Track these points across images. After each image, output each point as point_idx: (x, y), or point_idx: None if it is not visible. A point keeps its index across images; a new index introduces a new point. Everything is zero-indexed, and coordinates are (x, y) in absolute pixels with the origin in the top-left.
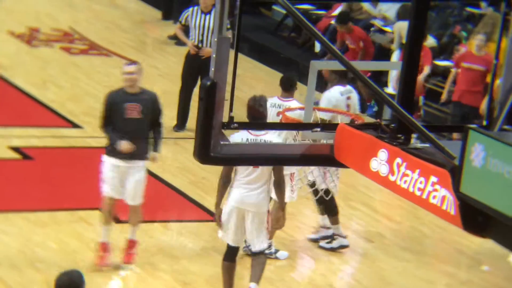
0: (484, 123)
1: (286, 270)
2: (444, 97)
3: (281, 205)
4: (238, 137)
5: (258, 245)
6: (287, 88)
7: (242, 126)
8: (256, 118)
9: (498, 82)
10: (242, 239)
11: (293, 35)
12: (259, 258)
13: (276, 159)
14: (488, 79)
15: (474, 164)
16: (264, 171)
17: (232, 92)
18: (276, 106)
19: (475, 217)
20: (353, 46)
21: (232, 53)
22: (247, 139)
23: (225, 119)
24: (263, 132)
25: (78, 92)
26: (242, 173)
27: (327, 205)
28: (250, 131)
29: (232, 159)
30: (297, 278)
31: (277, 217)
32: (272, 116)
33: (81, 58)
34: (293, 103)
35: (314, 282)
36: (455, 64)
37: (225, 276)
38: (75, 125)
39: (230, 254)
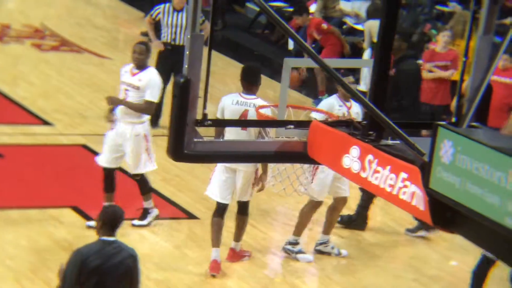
0: (453, 120)
1: (259, 267)
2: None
3: (264, 168)
4: (229, 98)
5: (246, 197)
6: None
7: (216, 123)
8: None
9: (467, 79)
10: (230, 196)
11: (266, 32)
12: (243, 216)
13: (250, 157)
14: (455, 76)
15: (443, 161)
16: (251, 132)
17: (205, 89)
18: (239, 104)
19: (444, 213)
20: (317, 36)
21: (205, 50)
22: (237, 101)
23: (199, 116)
24: (253, 96)
25: (49, 89)
26: (231, 134)
27: None
28: (241, 93)
29: (206, 156)
30: (270, 275)
31: (260, 179)
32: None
33: (52, 54)
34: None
35: (287, 279)
36: (423, 64)
37: (213, 231)
38: (46, 122)
39: (219, 210)
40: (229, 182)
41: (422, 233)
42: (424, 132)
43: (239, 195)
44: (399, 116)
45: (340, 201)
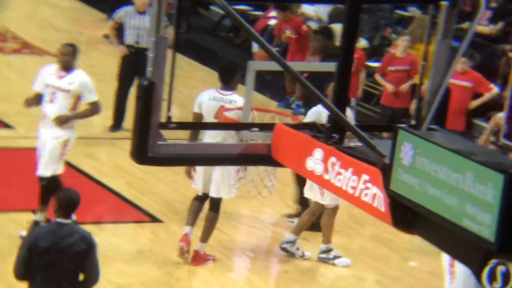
0: (413, 122)
1: (223, 270)
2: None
3: None
4: (207, 94)
5: (219, 194)
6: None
7: (181, 126)
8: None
9: (426, 83)
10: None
11: (231, 35)
12: (212, 213)
13: (214, 159)
14: (414, 79)
15: (403, 163)
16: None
17: (170, 92)
18: (216, 100)
19: (404, 214)
20: (293, 35)
21: (170, 52)
22: (214, 97)
23: (163, 119)
24: (230, 92)
25: (10, 92)
26: (209, 133)
27: None
28: (218, 89)
29: (170, 160)
30: (234, 278)
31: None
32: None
33: (13, 57)
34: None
35: (251, 281)
36: (381, 67)
37: (191, 213)
38: (7, 126)
39: (200, 198)
40: (209, 174)
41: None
42: (384, 134)
43: (212, 190)
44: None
45: (319, 206)
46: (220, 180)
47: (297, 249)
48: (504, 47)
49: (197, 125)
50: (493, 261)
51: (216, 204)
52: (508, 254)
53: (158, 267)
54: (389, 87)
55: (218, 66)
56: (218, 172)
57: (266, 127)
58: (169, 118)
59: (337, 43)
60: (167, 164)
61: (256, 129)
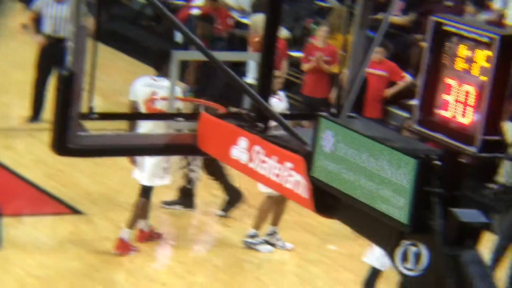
0: (333, 111)
1: (146, 260)
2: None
3: None
4: (141, 80)
5: (156, 180)
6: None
7: (103, 117)
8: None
9: (345, 72)
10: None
11: (152, 24)
12: (142, 200)
13: (139, 150)
14: (334, 69)
15: (325, 150)
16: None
17: (91, 82)
18: (150, 86)
19: (325, 200)
20: (220, 26)
21: (90, 42)
22: (147, 83)
23: (85, 109)
24: (163, 78)
25: None
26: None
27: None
28: (153, 76)
29: (92, 151)
30: (157, 268)
31: None
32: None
33: None
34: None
35: (174, 270)
36: (304, 58)
37: (142, 212)
38: None
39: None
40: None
41: (177, 207)
42: (304, 123)
43: (144, 177)
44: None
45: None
46: (152, 167)
47: (278, 240)
48: (416, 37)
49: (121, 115)
50: (405, 242)
51: (146, 191)
52: (420, 235)
53: (78, 259)
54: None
55: (152, 53)
56: (150, 159)
57: (192, 116)
58: (90, 108)
59: (261, 32)
60: (88, 155)
61: (181, 119)
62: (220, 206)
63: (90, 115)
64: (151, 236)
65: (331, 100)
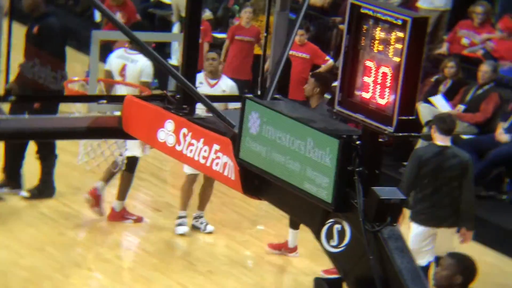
0: (258, 92)
1: (72, 245)
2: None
3: None
4: (114, 52)
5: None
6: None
7: (20, 99)
8: None
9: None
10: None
11: (70, 3)
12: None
13: (61, 133)
14: (256, 50)
15: (251, 132)
16: None
17: (7, 63)
18: (121, 58)
19: (253, 181)
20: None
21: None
22: (119, 55)
23: (1, 91)
24: (135, 52)
25: None
26: None
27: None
28: (126, 48)
29: (9, 134)
30: (84, 253)
31: None
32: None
33: None
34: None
35: (102, 256)
36: (228, 37)
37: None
38: None
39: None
40: None
41: (3, 189)
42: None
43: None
44: None
45: (209, 178)
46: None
47: (201, 223)
48: (334, 19)
49: (38, 97)
50: (330, 221)
51: (129, 163)
52: (343, 213)
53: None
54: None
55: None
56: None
57: (115, 99)
58: (7, 90)
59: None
60: (5, 139)
61: (104, 101)
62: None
63: (7, 97)
64: (124, 218)
65: (254, 82)
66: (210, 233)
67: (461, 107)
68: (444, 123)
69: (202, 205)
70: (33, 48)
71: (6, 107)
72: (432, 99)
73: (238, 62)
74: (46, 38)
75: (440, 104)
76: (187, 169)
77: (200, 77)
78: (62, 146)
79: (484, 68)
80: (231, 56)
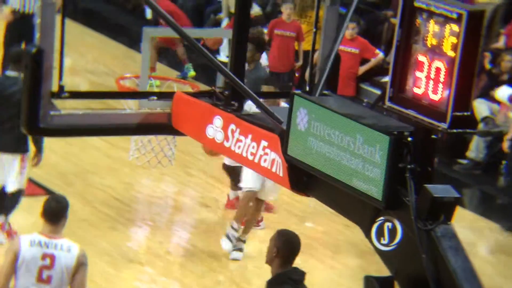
0: (307, 88)
1: (123, 239)
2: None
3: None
4: None
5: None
6: None
7: (74, 95)
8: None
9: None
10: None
11: (122, 0)
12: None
13: (112, 130)
14: (305, 46)
15: (299, 128)
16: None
17: (61, 60)
18: None
19: (301, 178)
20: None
21: (58, 18)
22: None
23: (55, 88)
24: None
25: None
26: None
27: None
28: None
29: (63, 130)
30: (135, 247)
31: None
32: None
33: None
34: None
35: (152, 250)
36: (268, 32)
37: None
38: None
39: None
40: None
41: None
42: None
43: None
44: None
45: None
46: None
47: (238, 240)
48: (386, 13)
49: (91, 94)
50: (380, 218)
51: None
52: (394, 211)
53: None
54: None
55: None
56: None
57: (165, 95)
58: (61, 87)
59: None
60: (60, 135)
61: (154, 97)
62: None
63: (61, 94)
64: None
65: (294, 75)
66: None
67: None
68: None
69: (247, 229)
70: None
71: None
72: (497, 92)
73: (279, 57)
74: None
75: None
76: (246, 184)
77: None
78: (114, 142)
79: None
80: (272, 50)
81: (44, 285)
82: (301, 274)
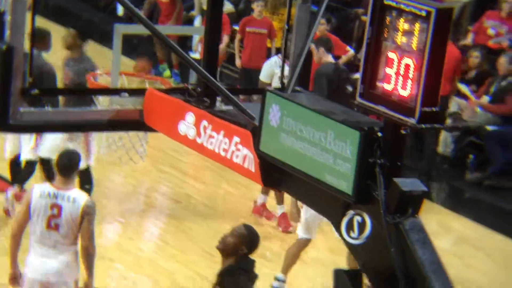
0: (279, 85)
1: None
2: (238, 62)
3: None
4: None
5: None
6: None
7: (44, 92)
8: None
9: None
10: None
11: None
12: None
13: (82, 126)
14: (276, 43)
15: (272, 124)
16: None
17: (30, 57)
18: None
19: (272, 173)
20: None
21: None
22: None
23: (25, 85)
24: None
25: None
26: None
27: None
28: None
29: (34, 126)
30: (104, 243)
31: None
32: None
33: None
34: None
35: (122, 247)
36: (239, 30)
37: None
38: None
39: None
40: None
41: None
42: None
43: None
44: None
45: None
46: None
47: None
48: (357, 11)
49: (62, 90)
50: (350, 212)
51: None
52: (364, 205)
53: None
54: None
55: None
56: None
57: (137, 92)
58: (30, 83)
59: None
60: (30, 131)
61: (126, 94)
62: None
63: (30, 90)
64: None
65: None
66: None
67: (486, 98)
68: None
69: (287, 268)
70: None
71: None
72: (460, 85)
73: (252, 54)
74: None
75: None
76: (301, 233)
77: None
78: None
79: (501, 61)
80: (245, 48)
81: (53, 231)
82: (252, 263)
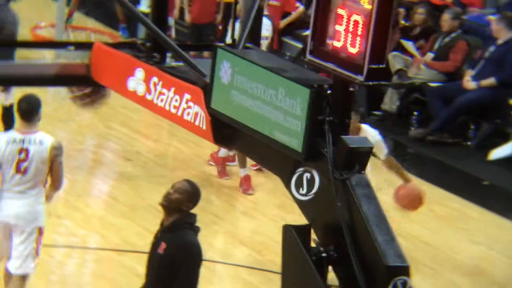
0: (230, 41)
1: None
2: (188, 18)
3: None
4: None
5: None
6: None
7: None
8: None
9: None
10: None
11: None
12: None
13: (28, 80)
14: None
15: (222, 81)
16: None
17: None
18: None
19: (224, 131)
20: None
21: None
22: None
23: None
24: None
25: None
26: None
27: None
28: None
29: None
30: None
31: None
32: None
33: None
34: None
35: (70, 203)
36: None
37: None
38: None
39: None
40: None
41: None
42: (192, 53)
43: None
44: None
45: None
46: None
47: None
48: None
49: (4, 43)
50: (299, 169)
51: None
52: (313, 162)
53: None
54: None
55: None
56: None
57: (83, 46)
58: None
59: None
60: None
61: (71, 47)
62: None
63: None
64: None
65: (216, 26)
66: None
67: (430, 55)
68: None
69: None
70: None
71: None
72: (404, 42)
73: (201, 9)
74: None
75: (411, 48)
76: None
77: None
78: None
79: (444, 17)
80: (194, 3)
81: (22, 175)
82: (194, 217)
